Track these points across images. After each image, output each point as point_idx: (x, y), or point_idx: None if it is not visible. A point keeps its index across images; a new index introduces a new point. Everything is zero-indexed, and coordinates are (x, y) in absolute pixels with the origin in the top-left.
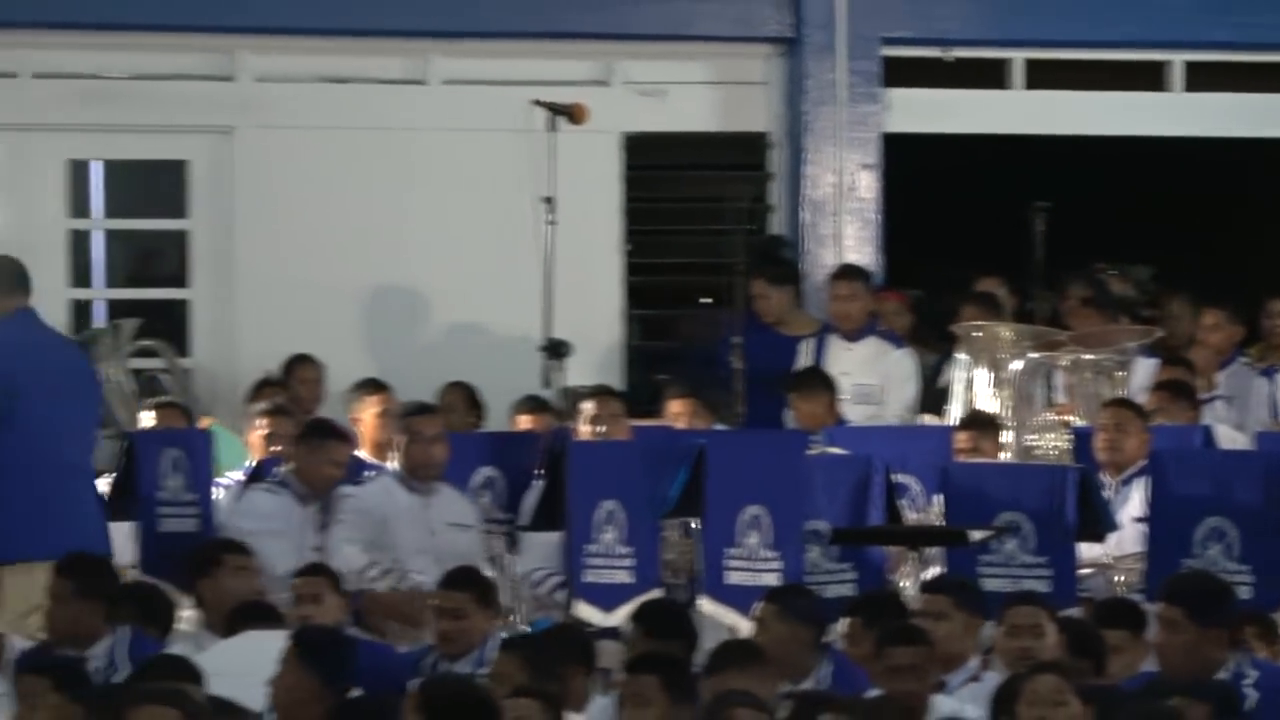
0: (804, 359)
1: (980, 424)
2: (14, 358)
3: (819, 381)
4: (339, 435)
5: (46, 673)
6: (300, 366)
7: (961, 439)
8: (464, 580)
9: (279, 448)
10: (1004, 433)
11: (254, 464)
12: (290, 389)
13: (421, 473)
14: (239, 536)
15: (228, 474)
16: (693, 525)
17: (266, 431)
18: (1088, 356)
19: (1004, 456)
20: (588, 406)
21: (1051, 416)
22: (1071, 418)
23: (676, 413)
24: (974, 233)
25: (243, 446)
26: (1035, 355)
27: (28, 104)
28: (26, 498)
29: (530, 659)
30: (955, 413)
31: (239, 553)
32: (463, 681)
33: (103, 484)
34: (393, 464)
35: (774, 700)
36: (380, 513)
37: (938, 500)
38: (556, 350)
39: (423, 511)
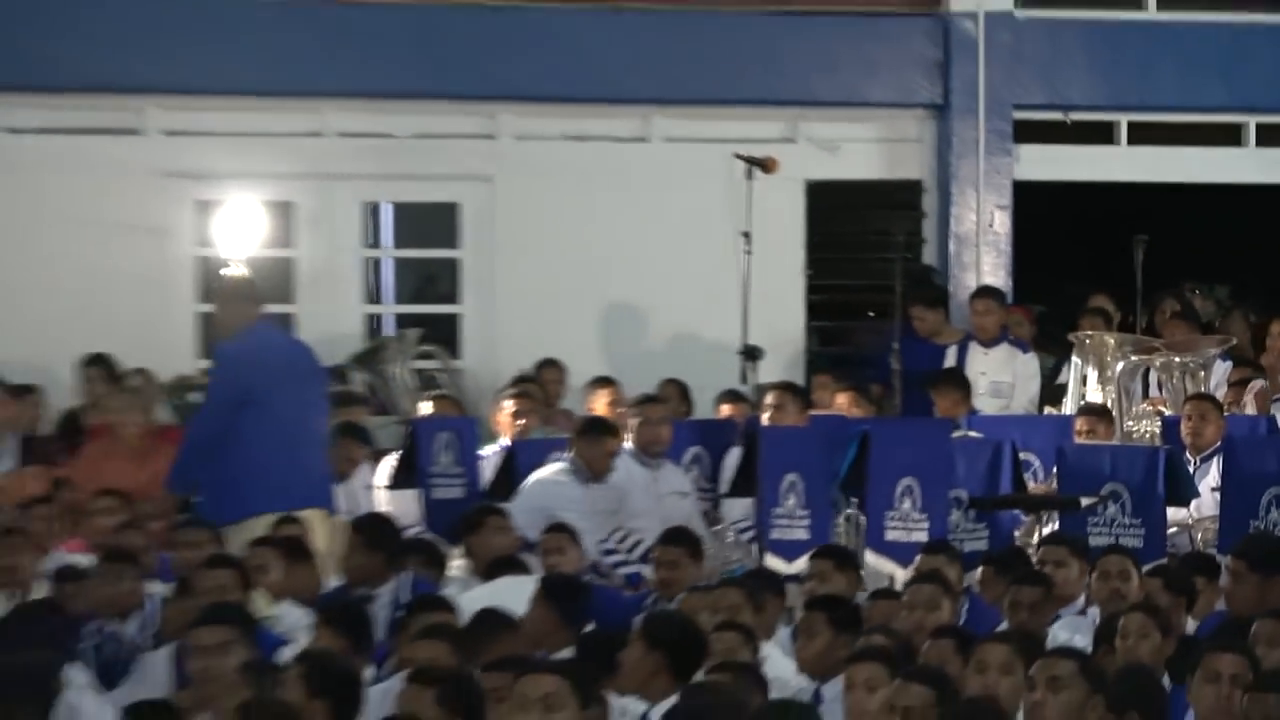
0: (949, 362)
1: (1097, 412)
2: (261, 356)
3: (953, 381)
4: (613, 430)
5: (320, 609)
6: (547, 368)
7: (1081, 424)
8: (678, 537)
9: (523, 422)
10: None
11: (509, 443)
12: (539, 385)
13: (650, 449)
14: (558, 518)
15: (485, 449)
16: (852, 514)
17: (513, 409)
18: (1176, 359)
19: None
20: (768, 397)
21: (1146, 407)
22: (1162, 408)
23: (841, 403)
24: (1087, 260)
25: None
26: (1134, 358)
27: (332, 158)
28: (277, 463)
29: (746, 594)
30: (1070, 405)
31: (499, 515)
32: (679, 616)
33: (391, 460)
34: (626, 444)
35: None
36: (620, 486)
37: (1054, 474)
38: (751, 354)
39: (652, 482)
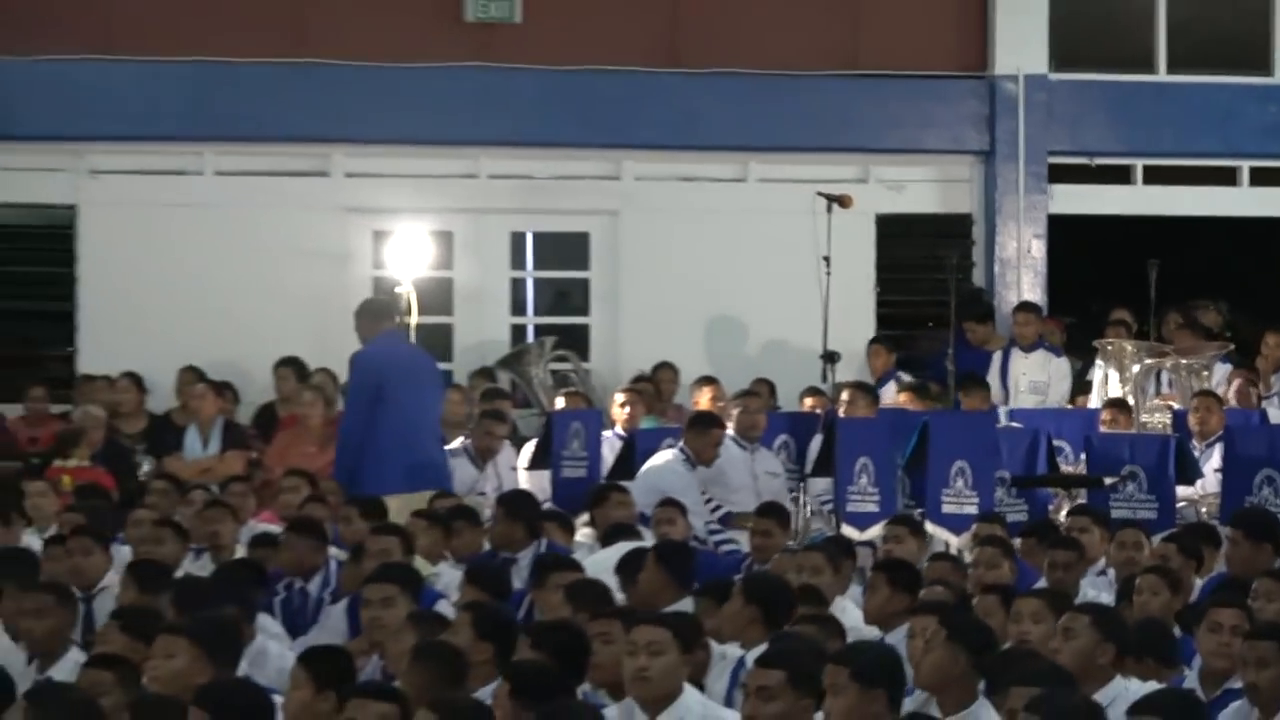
0: (995, 365)
1: (1120, 406)
2: (385, 361)
3: (976, 384)
4: (719, 423)
5: (467, 570)
6: (662, 370)
7: (1106, 415)
8: (769, 510)
9: (629, 411)
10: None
11: (625, 433)
12: (655, 383)
13: (748, 435)
14: (673, 495)
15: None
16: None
17: (621, 401)
18: (1183, 361)
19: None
20: (843, 394)
21: (1158, 402)
22: (1172, 403)
23: (903, 401)
24: (1109, 279)
25: None
26: (1148, 361)
27: (484, 196)
28: (399, 451)
29: (826, 557)
30: (1095, 400)
31: (620, 491)
32: (772, 576)
33: (530, 445)
34: (728, 430)
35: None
36: (720, 465)
37: (1083, 457)
38: (830, 358)
39: (749, 463)
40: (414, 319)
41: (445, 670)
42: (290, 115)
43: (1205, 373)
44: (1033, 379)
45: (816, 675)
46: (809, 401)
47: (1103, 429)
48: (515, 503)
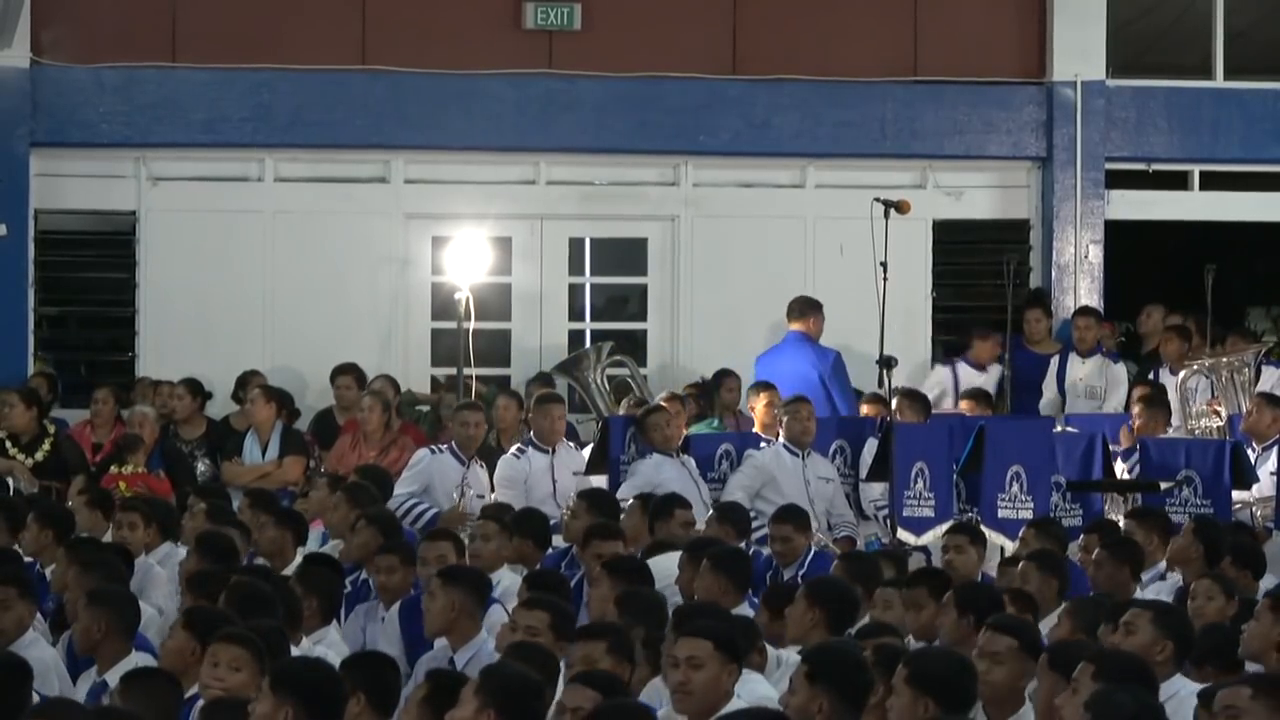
0: (1051, 369)
1: (1149, 401)
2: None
3: (979, 398)
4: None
5: (526, 576)
6: (726, 378)
7: (1138, 414)
8: (788, 514)
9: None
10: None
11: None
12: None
13: (799, 441)
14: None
15: None
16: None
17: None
18: (1224, 360)
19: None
20: (892, 401)
21: (1205, 408)
22: (1219, 409)
23: (965, 407)
24: (1166, 285)
25: None
26: (1193, 365)
27: (545, 202)
28: None
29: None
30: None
31: (685, 507)
32: (839, 581)
33: (587, 451)
34: (779, 438)
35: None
36: (770, 470)
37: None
38: (887, 363)
39: (800, 469)
40: (471, 324)
41: None
42: (350, 122)
43: (1246, 370)
44: (1090, 384)
45: (838, 673)
46: (866, 407)
47: (1135, 424)
48: (597, 499)
